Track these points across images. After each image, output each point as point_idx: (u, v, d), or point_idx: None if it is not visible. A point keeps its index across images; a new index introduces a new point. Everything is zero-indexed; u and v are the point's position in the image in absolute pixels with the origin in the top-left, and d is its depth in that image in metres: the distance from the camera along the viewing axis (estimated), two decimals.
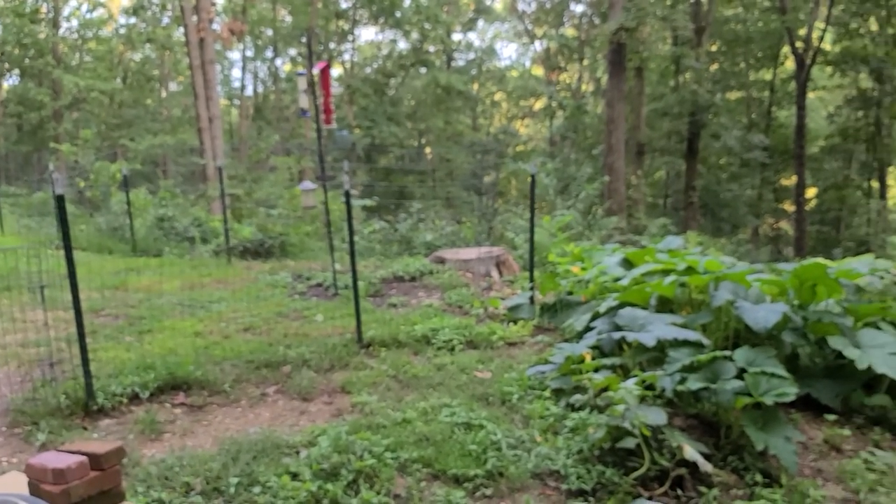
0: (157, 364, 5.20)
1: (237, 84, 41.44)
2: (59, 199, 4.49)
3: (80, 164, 16.65)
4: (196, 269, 9.70)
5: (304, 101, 7.82)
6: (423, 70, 39.02)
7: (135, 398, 4.82)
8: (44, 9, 36.26)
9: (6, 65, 37.85)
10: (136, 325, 6.59)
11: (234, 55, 41.13)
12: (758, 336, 4.92)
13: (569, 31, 38.23)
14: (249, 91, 42.26)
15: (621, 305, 5.60)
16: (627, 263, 6.74)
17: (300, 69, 7.41)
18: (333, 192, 14.65)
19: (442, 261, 9.00)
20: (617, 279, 6.38)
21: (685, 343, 4.72)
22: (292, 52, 42.31)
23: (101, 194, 15.20)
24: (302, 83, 7.82)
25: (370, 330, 6.28)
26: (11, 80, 39.45)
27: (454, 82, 36.65)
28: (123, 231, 12.36)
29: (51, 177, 14.42)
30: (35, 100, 33.74)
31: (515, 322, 6.70)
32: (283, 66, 43.23)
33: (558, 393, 4.91)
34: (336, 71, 42.71)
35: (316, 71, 7.58)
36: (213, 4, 24.52)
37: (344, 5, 39.14)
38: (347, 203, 5.93)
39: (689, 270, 5.51)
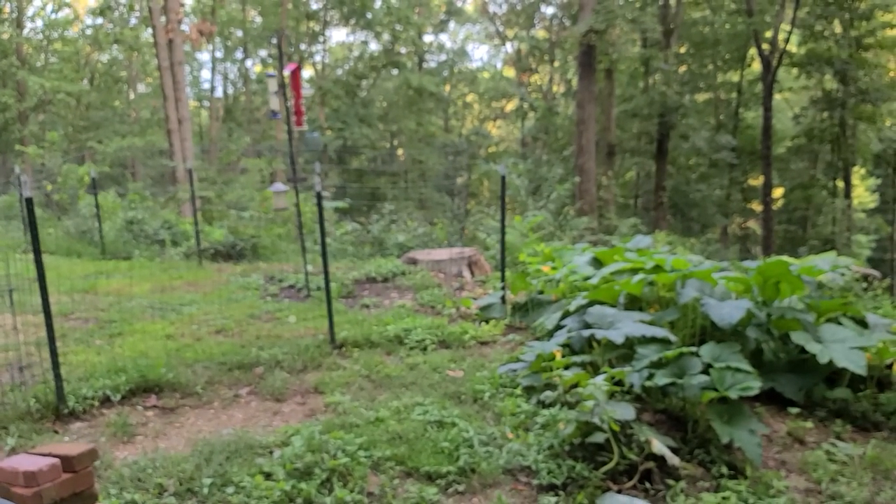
0: (128, 367, 5.17)
1: (207, 85, 41.05)
2: (28, 202, 4.45)
3: (46, 167, 16.41)
4: (167, 271, 9.63)
5: (274, 103, 7.82)
6: (394, 72, 39.03)
7: (106, 401, 4.79)
8: (7, 8, 35.61)
9: None
10: (107, 329, 6.54)
11: (204, 56, 40.76)
12: (723, 332, 5.03)
13: (539, 33, 38.48)
14: (219, 92, 41.93)
15: (591, 304, 5.69)
16: (597, 262, 6.85)
17: (270, 71, 7.41)
18: (305, 194, 14.64)
19: (414, 262, 9.04)
20: (587, 278, 6.47)
21: (653, 340, 4.82)
22: (263, 53, 42.02)
23: (68, 197, 14.98)
24: (272, 85, 7.82)
25: (343, 331, 6.30)
26: None
27: (426, 84, 36.73)
28: (92, 234, 12.21)
29: (17, 180, 14.20)
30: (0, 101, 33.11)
31: (487, 321, 6.77)
32: (254, 67, 42.93)
33: (529, 390, 4.98)
34: (307, 72, 42.53)
35: (287, 72, 7.58)
36: (182, 5, 24.30)
37: (314, 6, 39.02)
38: (319, 205, 5.95)
39: (657, 269, 5.61)
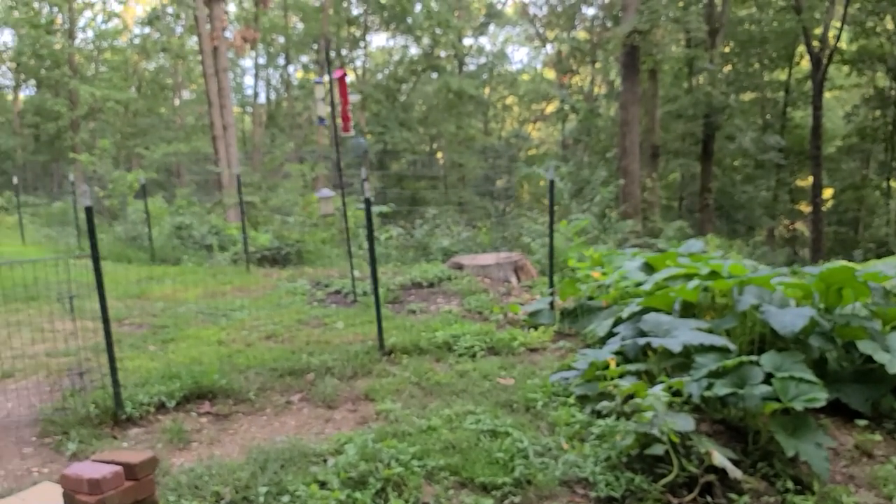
0: (182, 373, 5.23)
1: (250, 92, 41.63)
2: (88, 211, 4.52)
3: (98, 174, 16.80)
4: (215, 277, 9.75)
5: (320, 109, 7.86)
6: (434, 75, 39.09)
7: (161, 407, 4.85)
8: (59, 20, 36.65)
9: (22, 76, 38.33)
10: (160, 334, 6.63)
11: (247, 63, 41.38)
12: (784, 340, 4.87)
13: (580, 34, 38.19)
14: (262, 98, 42.47)
15: (644, 310, 5.58)
16: (648, 268, 6.72)
17: (317, 77, 7.47)
18: (349, 199, 14.72)
19: (460, 267, 8.99)
20: (638, 284, 6.36)
21: (711, 348, 4.70)
22: (304, 59, 42.54)
23: (119, 203, 15.31)
24: (319, 91, 7.86)
25: (391, 337, 6.28)
26: (28, 91, 39.95)
27: (466, 87, 36.70)
28: (142, 240, 12.45)
29: (73, 187, 14.57)
30: (52, 110, 34.07)
31: (536, 328, 6.69)
32: (296, 73, 43.44)
33: (583, 399, 4.89)
34: (348, 77, 42.79)
35: (333, 79, 7.61)
36: (227, 13, 24.69)
37: (355, 12, 39.31)
38: (368, 211, 5.94)
39: (713, 275, 5.48)
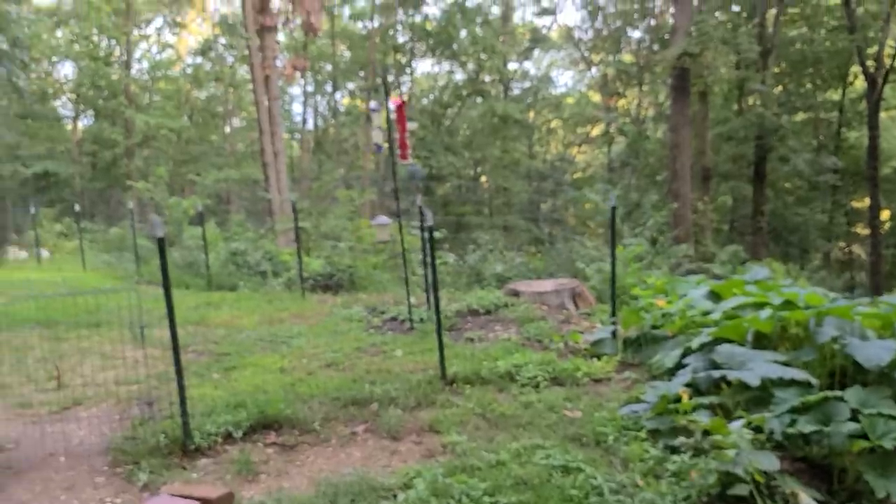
0: (247, 402, 5.24)
1: (298, 118, 42.35)
2: (160, 242, 4.59)
3: (154, 201, 17.20)
4: (272, 303, 9.83)
5: (377, 137, 7.91)
6: (479, 100, 39.27)
7: (228, 437, 4.85)
8: (117, 52, 37.96)
9: (81, 106, 39.71)
10: (222, 362, 6.68)
11: (295, 90, 42.11)
12: (866, 374, 4.67)
13: (626, 57, 38.03)
14: (310, 125, 43.17)
15: (715, 341, 5.42)
16: (715, 296, 6.55)
17: (373, 105, 7.54)
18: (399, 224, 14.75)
19: (516, 293, 8.90)
20: (706, 313, 6.20)
21: (791, 382, 4.52)
22: (351, 85, 43.22)
23: (174, 230, 15.63)
24: (375, 119, 7.91)
25: (452, 366, 6.21)
26: (86, 121, 41.34)
27: (511, 111, 36.77)
28: (198, 266, 12.65)
29: (132, 214, 14.91)
30: (108, 139, 35.16)
31: (599, 357, 6.55)
32: (342, 99, 44.12)
33: (655, 434, 4.74)
34: (394, 103, 43.24)
35: (391, 107, 7.66)
36: (278, 43, 25.22)
37: (401, 39, 39.83)
38: (430, 239, 5.92)
39: (788, 305, 5.30)
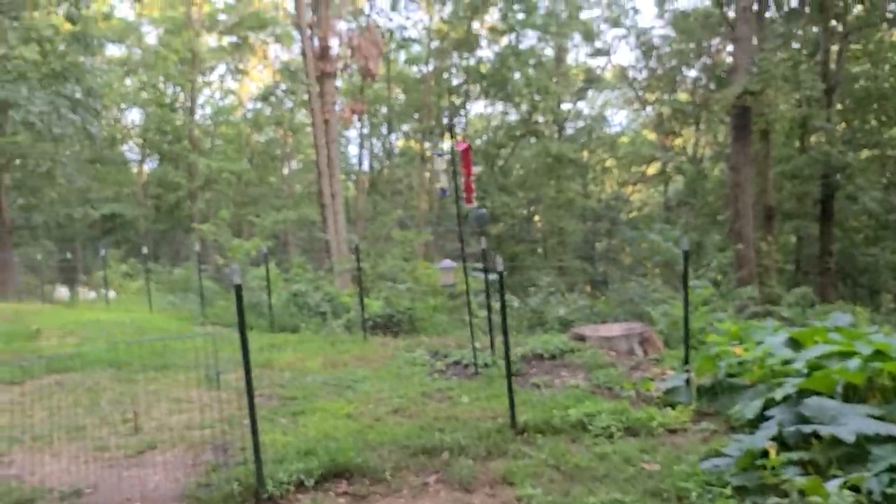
0: (317, 449, 5.20)
1: (353, 160, 43.08)
2: (238, 289, 4.64)
3: (218, 243, 17.58)
4: (334, 345, 9.85)
5: (443, 181, 7.93)
6: (532, 140, 39.41)
7: (300, 486, 4.81)
8: (181, 98, 39.47)
9: (147, 150, 41.29)
10: (289, 406, 6.68)
11: (351, 132, 42.92)
12: None
13: (682, 96, 37.75)
14: (365, 166, 43.84)
15: (800, 392, 5.19)
16: (795, 344, 6.30)
17: (437, 150, 7.61)
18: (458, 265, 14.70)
19: (582, 338, 8.72)
20: (786, 361, 5.95)
21: (888, 439, 4.27)
22: (405, 127, 43.90)
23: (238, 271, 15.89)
24: (441, 163, 7.95)
25: (522, 413, 6.08)
26: (151, 164, 42.91)
27: (565, 151, 36.76)
28: (261, 307, 12.81)
29: (198, 256, 15.20)
30: (172, 182, 36.34)
31: (673, 406, 6.32)
32: (397, 141, 44.78)
33: (742, 491, 4.51)
34: (447, 144, 43.72)
35: (457, 150, 7.68)
36: (337, 88, 25.85)
37: (455, 82, 40.40)
38: (501, 284, 5.85)
39: (880, 355, 5.04)
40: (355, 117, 29.96)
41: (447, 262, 7.72)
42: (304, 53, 23.83)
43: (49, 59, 23.23)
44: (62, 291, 17.49)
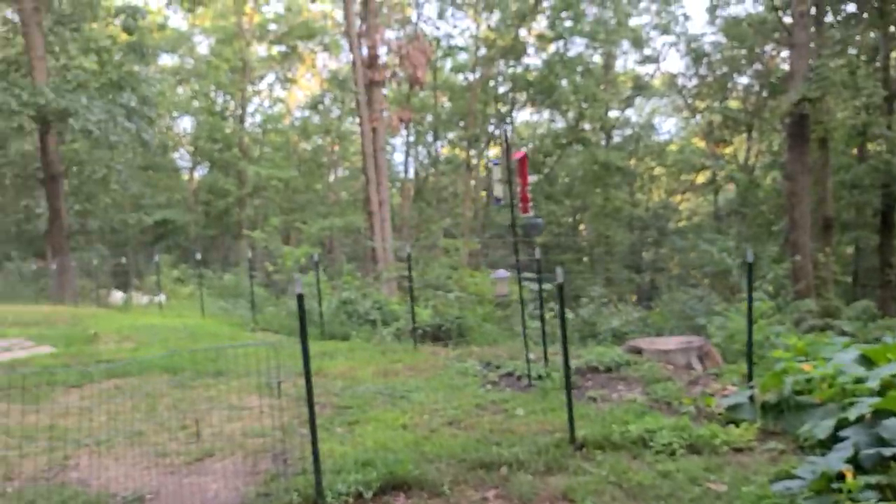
0: (375, 460, 5.16)
1: (398, 167, 43.25)
2: (300, 298, 4.63)
3: (269, 249, 17.79)
4: (385, 354, 9.84)
5: (498, 190, 7.85)
6: (579, 147, 39.08)
7: (359, 497, 4.77)
8: (231, 106, 40.19)
9: (198, 157, 42.13)
10: (344, 415, 6.66)
11: (396, 140, 43.11)
12: None
13: (733, 103, 37.06)
14: (410, 174, 43.99)
15: (876, 412, 4.96)
16: (866, 361, 6.04)
17: (495, 158, 7.54)
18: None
19: (638, 351, 8.53)
20: (858, 380, 5.71)
21: None
22: (451, 135, 43.91)
23: (287, 278, 16.04)
24: (496, 172, 7.87)
25: (580, 428, 5.94)
26: (201, 171, 43.75)
27: (613, 159, 36.36)
28: (311, 314, 12.88)
29: (250, 263, 15.35)
30: (222, 188, 36.97)
31: (736, 424, 6.11)
32: (442, 149, 44.81)
33: None
34: (493, 152, 43.72)
35: (514, 160, 7.61)
36: (385, 97, 26.01)
37: (502, 89, 40.32)
38: (560, 297, 5.74)
39: None
40: (403, 126, 30.05)
41: (501, 272, 7.63)
42: (353, 62, 24.00)
43: (107, 69, 23.87)
44: (117, 296, 17.87)
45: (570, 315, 11.84)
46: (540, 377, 7.92)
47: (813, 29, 21.40)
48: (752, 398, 6.39)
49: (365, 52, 24.31)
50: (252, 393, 7.22)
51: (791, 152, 20.52)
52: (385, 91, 29.06)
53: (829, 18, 24.11)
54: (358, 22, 24.63)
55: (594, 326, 10.81)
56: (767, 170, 29.53)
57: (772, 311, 10.38)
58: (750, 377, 6.60)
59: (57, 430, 6.18)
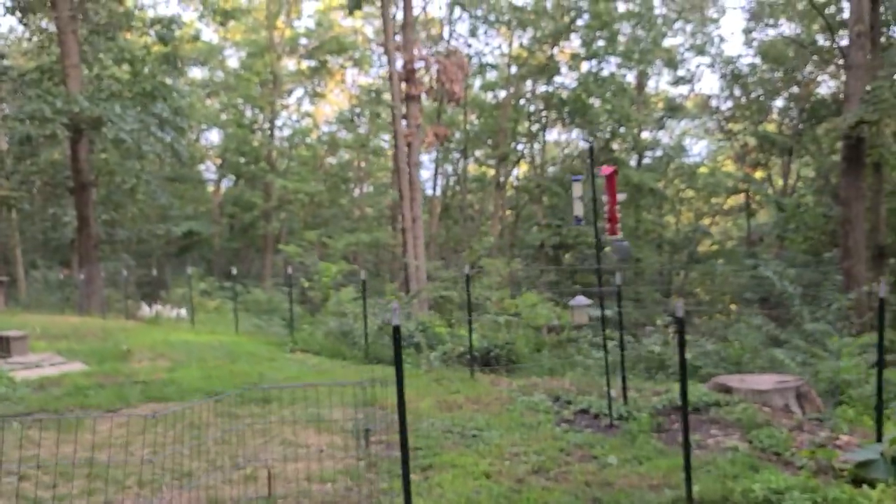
0: None
1: (426, 185, 42.67)
2: (395, 331, 3.95)
3: (304, 265, 17.17)
4: (440, 383, 9.10)
5: (578, 209, 7.15)
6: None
7: None
8: (260, 119, 39.90)
9: (224, 170, 41.85)
10: (415, 458, 5.91)
11: (423, 157, 42.53)
12: None
13: (769, 126, 36.26)
14: (438, 191, 43.43)
15: None
16: None
17: (577, 174, 6.90)
18: (528, 294, 13.83)
19: (727, 389, 7.72)
20: None
21: None
22: (478, 153, 43.40)
23: (324, 294, 15.39)
24: (577, 189, 7.17)
25: (693, 483, 5.17)
26: (227, 183, 43.48)
27: (646, 180, 35.59)
28: (353, 336, 12.21)
29: (289, 279, 14.63)
30: (249, 201, 36.56)
31: (871, 484, 5.31)
32: (466, 166, 44.27)
33: None
34: (518, 170, 43.07)
35: (601, 175, 6.90)
36: (421, 111, 25.45)
37: (532, 108, 39.75)
38: (681, 333, 4.99)
39: None
40: (437, 142, 29.43)
41: (580, 299, 6.90)
42: (390, 75, 23.48)
43: (140, 79, 23.54)
44: (146, 309, 17.29)
45: (631, 343, 11.06)
46: (621, 417, 7.16)
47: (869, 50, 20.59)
48: (883, 454, 5.58)
49: (401, 65, 23.81)
50: (304, 425, 6.53)
51: (846, 177, 19.64)
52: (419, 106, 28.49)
53: (884, 40, 23.32)
54: (396, 36, 24.15)
55: (662, 358, 9.98)
56: (816, 194, 28.46)
57: (860, 349, 9.51)
58: (878, 427, 5.80)
59: (96, 467, 5.50)
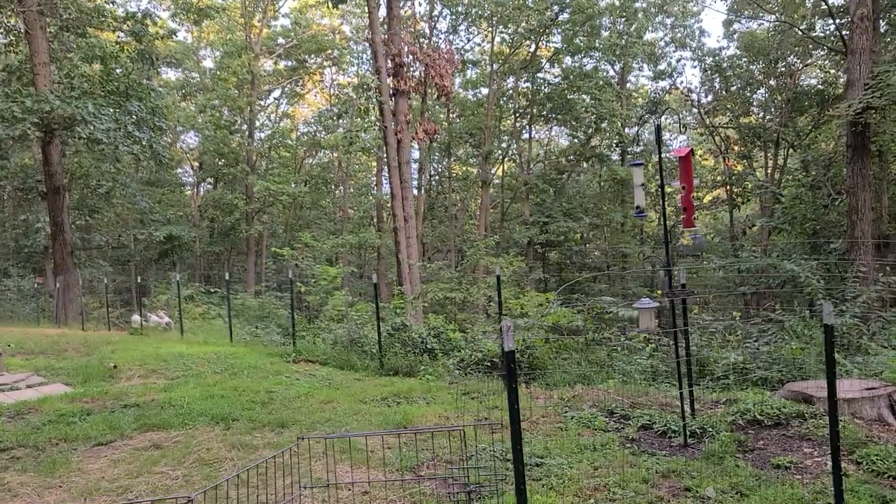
0: None
1: (412, 184, 41.75)
2: (510, 357, 3.03)
3: (299, 268, 16.14)
4: (472, 396, 8.18)
5: (640, 198, 6.28)
6: (592, 164, 38.04)
7: None
8: (238, 121, 38.65)
9: (202, 172, 40.55)
10: (480, 498, 5.01)
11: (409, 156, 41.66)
12: None
13: (750, 119, 36.05)
14: (422, 190, 42.57)
15: None
16: None
17: (636, 160, 6.08)
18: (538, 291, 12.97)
19: (807, 399, 6.90)
20: None
21: None
22: (460, 152, 42.75)
23: (320, 299, 14.40)
24: (638, 176, 6.31)
25: None
26: (206, 187, 42.20)
27: (632, 175, 34.99)
28: (362, 343, 11.26)
29: (291, 284, 13.62)
30: (229, 204, 35.35)
31: None
32: (453, 164, 43.59)
33: None
34: (502, 168, 42.29)
35: (674, 157, 6.05)
36: (411, 108, 24.51)
37: (515, 105, 39.06)
38: (829, 341, 4.11)
39: None
40: (429, 139, 28.47)
41: (645, 301, 6.04)
42: (377, 71, 22.49)
43: (112, 77, 22.33)
44: (135, 318, 16.13)
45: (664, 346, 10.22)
46: (693, 434, 6.31)
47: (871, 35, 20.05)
48: None
49: (389, 60, 22.84)
50: (340, 459, 5.58)
51: (851, 165, 19.06)
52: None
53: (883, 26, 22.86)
54: (381, 29, 23.18)
55: (707, 362, 9.13)
56: (813, 185, 28.01)
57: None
58: None
59: None
